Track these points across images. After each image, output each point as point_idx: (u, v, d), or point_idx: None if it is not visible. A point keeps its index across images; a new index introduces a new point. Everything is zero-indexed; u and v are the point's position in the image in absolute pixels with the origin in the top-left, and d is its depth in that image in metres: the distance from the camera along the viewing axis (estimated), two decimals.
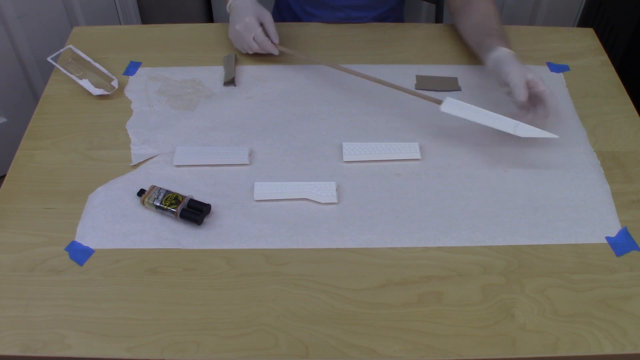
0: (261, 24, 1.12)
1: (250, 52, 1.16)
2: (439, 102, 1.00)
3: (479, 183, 0.96)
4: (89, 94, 1.09)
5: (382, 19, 1.35)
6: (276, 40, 1.13)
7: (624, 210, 0.93)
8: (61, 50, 1.17)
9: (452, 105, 0.99)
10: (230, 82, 1.12)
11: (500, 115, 0.96)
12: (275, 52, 1.14)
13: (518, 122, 0.96)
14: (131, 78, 1.14)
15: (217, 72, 1.16)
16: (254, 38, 1.12)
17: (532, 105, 0.98)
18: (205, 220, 0.90)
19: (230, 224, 0.90)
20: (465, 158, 1.00)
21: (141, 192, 0.92)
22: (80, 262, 0.85)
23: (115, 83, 1.10)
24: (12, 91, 1.72)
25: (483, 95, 1.11)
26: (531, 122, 0.96)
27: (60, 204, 0.92)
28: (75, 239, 0.88)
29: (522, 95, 0.94)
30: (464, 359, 0.76)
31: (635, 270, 0.85)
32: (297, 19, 1.36)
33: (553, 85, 1.14)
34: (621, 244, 0.89)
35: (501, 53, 1.01)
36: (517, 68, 0.97)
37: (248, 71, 1.16)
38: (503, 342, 0.77)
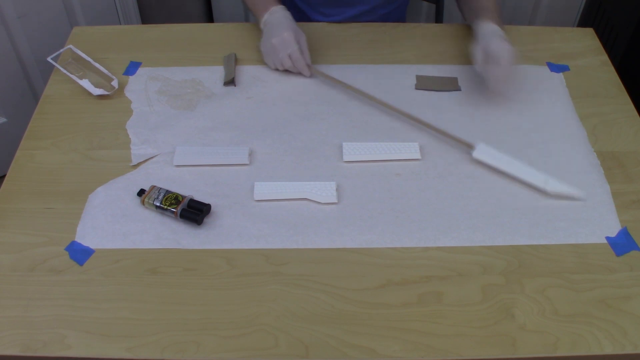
0: (297, 42, 1.10)
1: (281, 69, 1.13)
2: (471, 146, 0.99)
3: (479, 183, 0.96)
4: (89, 94, 1.09)
5: (386, 18, 1.35)
6: (309, 61, 1.11)
7: (624, 210, 0.93)
8: (61, 50, 1.17)
9: (484, 153, 0.98)
10: (230, 82, 1.12)
11: (531, 169, 0.96)
12: (307, 73, 1.12)
13: (548, 177, 0.95)
14: (131, 78, 1.14)
15: (217, 72, 1.15)
16: (289, 55, 1.09)
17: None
18: (205, 220, 0.90)
19: (230, 224, 0.90)
20: (465, 158, 1.00)
21: (141, 192, 0.92)
22: (80, 262, 0.85)
23: (115, 83, 1.10)
24: (12, 91, 1.72)
25: (483, 95, 1.11)
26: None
27: (60, 204, 0.92)
28: (75, 239, 0.88)
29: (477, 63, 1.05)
30: (464, 359, 0.76)
31: (635, 270, 0.85)
32: (304, 16, 1.35)
33: (553, 85, 1.15)
34: (621, 244, 0.89)
35: (484, 26, 1.08)
36: (481, 41, 1.05)
37: (248, 71, 1.16)
38: (503, 342, 0.77)
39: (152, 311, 0.80)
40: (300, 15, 1.36)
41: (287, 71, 1.14)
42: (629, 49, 1.72)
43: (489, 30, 1.07)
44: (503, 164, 0.97)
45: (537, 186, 0.95)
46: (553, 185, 0.94)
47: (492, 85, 1.04)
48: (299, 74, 1.13)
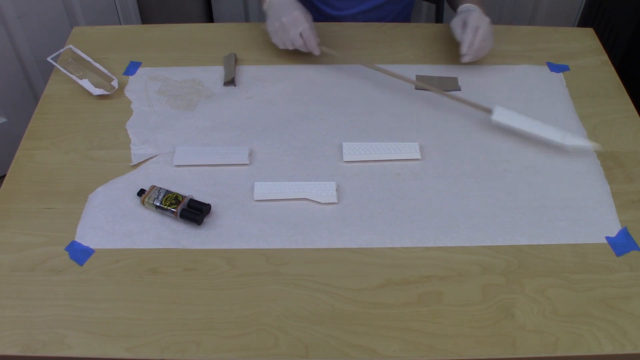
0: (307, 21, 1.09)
1: (290, 48, 1.11)
2: (489, 110, 1.02)
3: (479, 183, 0.96)
4: (89, 94, 1.10)
5: (395, 15, 1.35)
6: (318, 40, 1.10)
7: (624, 210, 0.93)
8: (61, 50, 1.18)
9: (502, 115, 1.02)
10: (230, 82, 1.12)
11: (548, 127, 1.00)
12: (317, 52, 1.10)
13: (565, 132, 0.99)
14: (131, 78, 1.14)
15: (217, 72, 1.16)
16: (300, 33, 1.08)
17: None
18: (205, 220, 0.90)
19: (230, 224, 0.90)
20: (465, 158, 1.00)
21: (141, 192, 0.92)
22: (80, 262, 0.85)
23: (115, 83, 1.10)
24: (12, 91, 1.72)
25: (483, 95, 1.11)
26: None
27: (60, 204, 0.92)
28: (75, 239, 0.88)
29: (458, 36, 1.10)
30: (464, 359, 0.76)
31: (635, 270, 0.86)
32: (315, 9, 1.35)
33: (553, 85, 1.15)
34: (621, 244, 0.89)
35: (465, 5, 1.13)
36: (461, 14, 1.10)
37: (248, 71, 1.16)
38: (503, 342, 0.77)
39: (152, 311, 0.80)
40: (310, 8, 1.36)
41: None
42: (629, 49, 1.72)
43: (470, 7, 1.12)
44: (521, 124, 1.01)
45: (554, 142, 0.99)
46: (570, 139, 0.98)
47: (464, 50, 1.07)
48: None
